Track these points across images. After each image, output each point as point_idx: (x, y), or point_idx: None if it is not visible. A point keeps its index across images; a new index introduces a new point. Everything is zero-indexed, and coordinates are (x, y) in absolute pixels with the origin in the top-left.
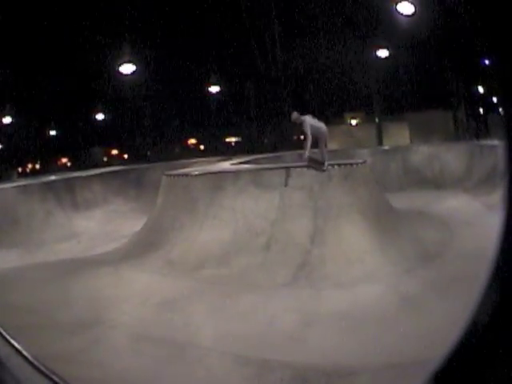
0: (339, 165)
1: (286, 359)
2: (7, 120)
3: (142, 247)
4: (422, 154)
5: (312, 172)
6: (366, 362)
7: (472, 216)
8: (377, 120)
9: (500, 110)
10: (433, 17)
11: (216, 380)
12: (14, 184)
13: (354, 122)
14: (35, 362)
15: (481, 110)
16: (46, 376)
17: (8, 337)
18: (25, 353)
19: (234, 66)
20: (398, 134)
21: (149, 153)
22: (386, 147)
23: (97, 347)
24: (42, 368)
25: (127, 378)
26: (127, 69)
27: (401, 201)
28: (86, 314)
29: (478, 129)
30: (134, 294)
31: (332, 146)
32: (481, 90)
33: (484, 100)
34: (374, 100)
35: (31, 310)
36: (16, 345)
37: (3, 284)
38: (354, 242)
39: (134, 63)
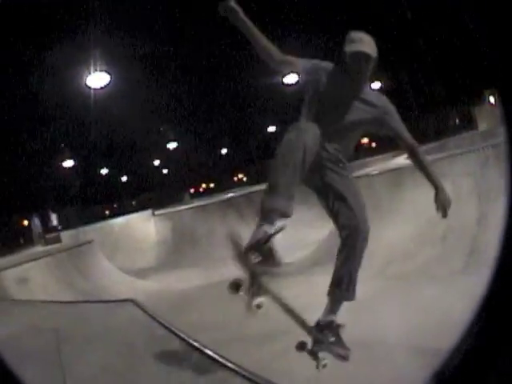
0: (492, 146)
1: None
2: (172, 145)
3: (331, 253)
4: None
5: (473, 155)
6: None
7: None
8: None
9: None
10: None
11: (398, 370)
12: (189, 205)
13: (492, 99)
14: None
15: None
16: None
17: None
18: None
19: None
20: None
21: None
22: None
23: (286, 356)
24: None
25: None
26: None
27: None
28: (275, 324)
29: None
30: (323, 299)
31: (482, 127)
32: None
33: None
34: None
35: (219, 325)
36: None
37: (188, 304)
38: None
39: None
